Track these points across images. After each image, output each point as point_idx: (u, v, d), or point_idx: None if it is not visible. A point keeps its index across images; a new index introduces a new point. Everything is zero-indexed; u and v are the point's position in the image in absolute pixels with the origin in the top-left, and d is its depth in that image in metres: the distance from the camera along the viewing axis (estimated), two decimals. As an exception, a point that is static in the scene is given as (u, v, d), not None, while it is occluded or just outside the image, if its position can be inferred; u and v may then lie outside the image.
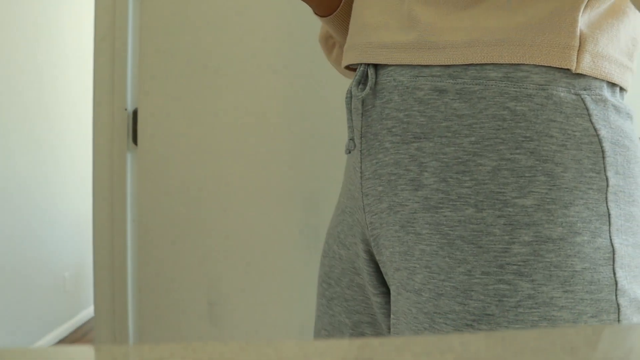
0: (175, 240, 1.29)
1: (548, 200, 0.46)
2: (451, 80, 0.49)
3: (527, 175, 0.46)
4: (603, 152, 0.47)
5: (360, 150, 0.57)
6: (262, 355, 0.23)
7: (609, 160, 0.47)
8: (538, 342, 0.25)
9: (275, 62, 1.24)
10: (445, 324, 0.48)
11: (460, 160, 0.48)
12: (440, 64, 0.49)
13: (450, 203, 0.48)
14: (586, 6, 0.47)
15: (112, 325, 1.31)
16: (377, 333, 0.62)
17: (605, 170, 0.47)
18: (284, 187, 1.24)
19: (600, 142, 0.47)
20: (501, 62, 0.47)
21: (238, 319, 1.27)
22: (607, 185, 0.47)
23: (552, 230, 0.45)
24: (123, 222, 1.31)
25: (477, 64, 0.48)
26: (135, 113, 1.31)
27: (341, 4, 0.67)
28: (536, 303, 0.45)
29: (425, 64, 0.50)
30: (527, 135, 0.46)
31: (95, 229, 1.34)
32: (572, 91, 0.47)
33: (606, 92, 0.49)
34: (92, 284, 1.42)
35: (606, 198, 0.47)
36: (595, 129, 0.47)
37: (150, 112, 1.29)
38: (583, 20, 0.47)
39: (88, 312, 3.65)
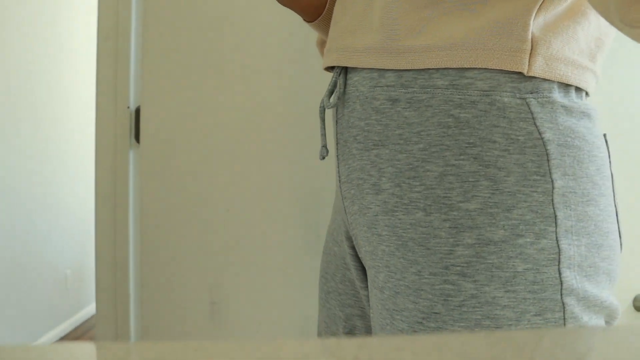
0: (177, 239, 1.29)
1: (491, 204, 0.47)
2: (403, 90, 0.50)
3: (470, 180, 0.48)
4: (548, 154, 0.48)
5: (337, 156, 0.60)
6: (262, 354, 0.23)
7: (554, 162, 0.48)
8: (537, 342, 0.25)
9: (278, 61, 1.24)
10: (402, 320, 0.51)
11: (411, 166, 0.50)
12: (401, 68, 0.50)
13: (404, 207, 0.51)
14: (539, 10, 0.48)
15: (113, 323, 1.32)
16: (367, 325, 0.65)
17: (550, 173, 0.48)
18: (286, 186, 1.24)
19: (544, 145, 0.48)
20: (455, 67, 0.48)
21: (240, 318, 1.27)
22: (553, 188, 0.47)
23: (494, 233, 0.47)
24: (125, 219, 1.31)
25: (428, 70, 0.49)
26: (137, 111, 1.31)
27: (324, 11, 0.69)
28: (479, 302, 0.47)
29: (388, 67, 0.51)
30: (471, 141, 0.48)
31: (98, 226, 1.35)
32: (518, 95, 0.48)
33: (556, 94, 0.49)
34: (93, 282, 1.42)
35: (552, 200, 0.47)
36: (539, 132, 0.48)
37: (152, 110, 1.30)
38: (536, 24, 0.48)
39: (90, 309, 3.66)
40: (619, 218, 0.54)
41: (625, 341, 0.27)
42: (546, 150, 0.48)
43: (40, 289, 3.00)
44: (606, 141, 0.55)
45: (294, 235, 1.24)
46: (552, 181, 0.48)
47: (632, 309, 1.72)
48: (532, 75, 0.48)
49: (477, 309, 0.47)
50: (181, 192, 1.29)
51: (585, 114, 0.51)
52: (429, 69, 0.49)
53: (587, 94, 0.54)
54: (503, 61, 0.47)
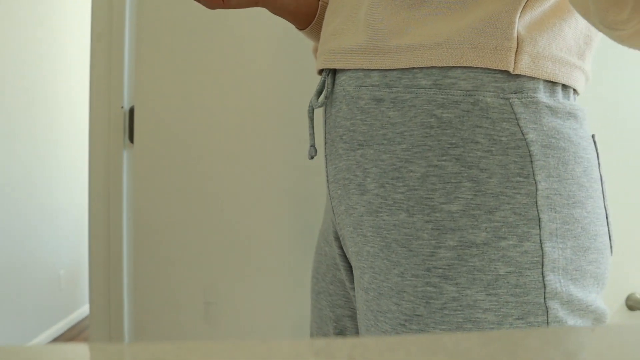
0: (172, 239, 1.29)
1: (473, 205, 0.47)
2: (387, 90, 0.50)
3: (453, 181, 0.47)
4: (531, 156, 0.47)
5: (325, 156, 0.59)
6: (257, 354, 0.23)
7: (538, 164, 0.47)
8: (530, 341, 0.25)
9: (272, 61, 1.24)
10: (385, 322, 0.50)
11: (394, 166, 0.50)
12: (386, 68, 0.50)
13: (387, 208, 0.50)
14: (525, 7, 0.47)
15: (107, 324, 1.31)
16: (358, 326, 0.65)
17: (534, 175, 0.47)
18: (280, 186, 1.24)
19: (528, 146, 0.47)
20: (440, 66, 0.47)
21: (234, 318, 1.27)
22: (537, 190, 0.47)
23: (476, 235, 0.46)
24: (119, 220, 1.31)
25: (412, 69, 0.49)
26: (131, 111, 1.31)
27: (315, 18, 0.70)
28: (460, 305, 0.46)
29: (372, 67, 0.51)
30: (453, 142, 0.47)
31: (91, 226, 1.34)
32: (501, 95, 0.47)
33: (541, 94, 0.49)
34: (87, 282, 1.41)
35: (536, 202, 0.46)
36: (522, 133, 0.47)
37: (146, 110, 1.29)
38: (521, 22, 0.47)
39: (84, 310, 3.65)
40: (609, 221, 0.53)
41: (618, 340, 0.27)
42: (529, 151, 0.47)
43: (34, 290, 2.99)
44: (595, 142, 0.54)
45: (289, 235, 1.24)
46: (535, 183, 0.47)
47: (625, 308, 1.73)
48: (519, 73, 0.47)
49: (459, 312, 0.46)
50: (175, 192, 1.28)
51: (571, 115, 0.50)
52: (414, 68, 0.49)
53: (575, 92, 0.54)
54: (489, 59, 0.47)
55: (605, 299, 1.70)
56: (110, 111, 1.31)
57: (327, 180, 0.60)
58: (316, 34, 0.73)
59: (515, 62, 0.47)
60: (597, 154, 0.53)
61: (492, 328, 0.45)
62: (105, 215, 1.31)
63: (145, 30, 1.29)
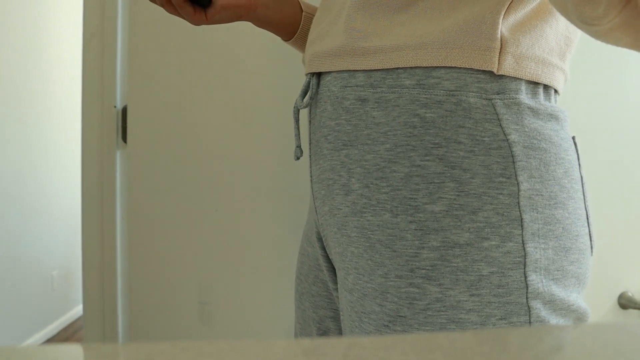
0: (166, 239, 1.28)
1: (456, 206, 0.47)
2: (372, 90, 0.50)
3: (436, 181, 0.47)
4: (513, 156, 0.47)
5: (310, 156, 0.60)
6: (251, 354, 0.23)
7: (520, 164, 0.47)
8: (525, 340, 0.25)
9: (265, 61, 1.24)
10: (369, 323, 0.50)
11: (378, 167, 0.50)
12: (370, 68, 0.50)
13: (372, 208, 0.50)
14: (508, 9, 0.48)
15: (101, 324, 1.31)
16: (340, 327, 0.65)
17: (516, 175, 0.47)
18: (274, 186, 1.24)
19: (510, 146, 0.47)
20: (424, 66, 0.48)
21: (228, 318, 1.27)
22: (519, 190, 0.47)
23: (459, 235, 0.46)
24: (112, 220, 1.30)
25: (397, 69, 0.49)
26: (124, 110, 1.30)
27: (299, 29, 0.72)
28: (444, 306, 0.46)
29: (357, 69, 0.51)
30: (436, 141, 0.48)
31: (84, 227, 1.34)
32: (484, 96, 0.48)
33: (523, 95, 0.49)
34: (81, 283, 1.41)
35: (518, 203, 0.47)
36: (505, 134, 0.47)
37: (139, 109, 1.29)
38: (505, 23, 0.48)
39: (77, 311, 3.63)
40: (590, 221, 0.53)
41: (610, 338, 0.27)
42: (512, 152, 0.47)
43: (27, 291, 2.97)
44: (575, 144, 0.54)
45: (283, 235, 1.24)
46: (517, 183, 0.47)
47: (618, 306, 1.74)
48: (502, 73, 0.48)
49: (442, 313, 0.46)
50: (169, 192, 1.28)
51: (552, 116, 0.51)
52: (398, 68, 0.49)
53: (556, 92, 0.54)
54: (473, 59, 0.47)
55: (598, 298, 1.72)
56: (103, 111, 1.30)
57: (311, 180, 0.61)
58: (301, 45, 0.74)
59: (499, 63, 0.48)
60: (578, 155, 0.54)
61: (475, 328, 0.46)
62: (98, 215, 1.31)
63: (138, 30, 1.28)
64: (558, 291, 0.48)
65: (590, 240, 0.53)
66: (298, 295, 0.71)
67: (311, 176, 0.61)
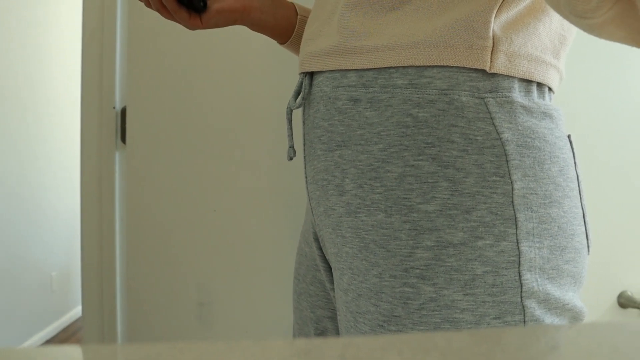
0: (165, 239, 1.28)
1: (450, 205, 0.47)
2: (364, 90, 0.50)
3: (430, 181, 0.47)
4: (507, 155, 0.47)
5: (304, 157, 0.60)
6: (250, 354, 0.23)
7: (513, 163, 0.47)
8: (523, 339, 0.25)
9: (264, 62, 1.24)
10: (364, 323, 0.50)
11: (372, 167, 0.50)
12: (362, 67, 0.50)
13: (366, 208, 0.50)
14: (501, 7, 0.48)
15: (100, 325, 1.31)
16: (338, 327, 0.64)
17: (509, 174, 0.47)
18: (273, 187, 1.24)
19: (503, 145, 0.47)
20: (416, 65, 0.48)
21: (228, 319, 1.27)
22: (513, 189, 0.47)
23: (453, 235, 0.46)
24: (111, 221, 1.30)
25: (389, 69, 0.49)
26: (123, 111, 1.30)
27: (294, 33, 0.72)
28: (438, 306, 0.46)
29: (349, 68, 0.51)
30: (429, 141, 0.47)
31: (83, 228, 1.34)
32: (476, 95, 0.48)
33: (516, 94, 0.49)
34: (80, 284, 1.41)
35: (512, 202, 0.47)
36: (498, 132, 0.47)
37: (138, 110, 1.29)
38: (497, 22, 0.48)
39: (76, 311, 3.63)
40: (586, 220, 0.53)
41: (608, 338, 0.27)
42: (505, 150, 0.47)
43: (26, 292, 2.97)
44: (570, 142, 0.54)
45: (282, 236, 1.24)
46: (511, 182, 0.47)
47: (617, 305, 1.74)
48: (495, 72, 0.48)
49: (436, 313, 0.46)
50: (168, 193, 1.28)
51: (546, 115, 0.51)
52: (390, 68, 0.49)
53: (550, 90, 0.54)
54: (465, 58, 0.47)
55: (597, 297, 1.72)
56: (102, 112, 1.30)
57: (306, 181, 0.61)
58: (296, 48, 0.75)
59: (491, 61, 0.47)
60: (574, 153, 0.54)
61: (470, 328, 0.46)
62: (97, 216, 1.31)
63: (137, 31, 1.28)
64: (553, 290, 0.48)
65: (587, 239, 0.53)
66: (296, 296, 0.71)
67: (306, 177, 0.61)
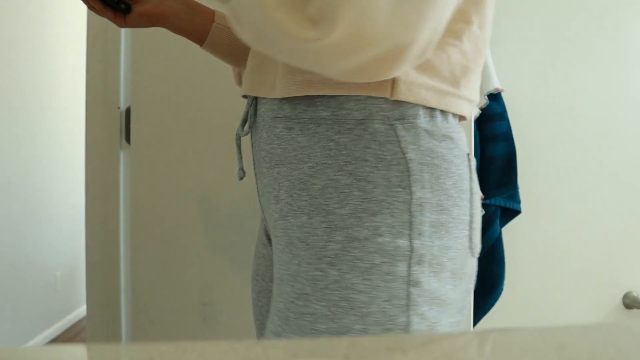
0: (169, 240, 1.29)
1: (360, 210, 0.57)
2: (296, 120, 0.61)
3: (346, 191, 0.58)
4: (409, 171, 0.57)
5: (255, 174, 0.71)
6: (253, 354, 0.23)
7: (414, 177, 0.57)
8: (525, 341, 0.25)
9: (269, 61, 1.24)
10: (280, 301, 0.60)
11: (301, 180, 0.61)
12: (290, 95, 0.61)
13: (293, 212, 0.61)
14: None
15: (104, 325, 1.31)
16: None
17: (410, 186, 0.57)
18: (277, 186, 1.24)
19: (407, 163, 0.57)
20: (336, 94, 0.59)
21: (231, 319, 1.27)
22: (412, 198, 0.57)
23: (359, 232, 0.56)
24: (116, 221, 1.31)
25: (315, 101, 0.60)
26: (128, 111, 1.30)
27: (207, 39, 0.84)
28: (340, 287, 0.56)
29: (281, 96, 0.62)
30: (348, 160, 0.58)
31: (88, 227, 1.34)
32: (387, 122, 0.58)
33: (421, 120, 0.59)
34: (84, 283, 1.41)
35: (410, 208, 0.57)
36: (403, 152, 0.57)
37: (143, 110, 1.29)
38: None
39: (80, 311, 3.64)
40: (473, 226, 0.62)
41: (612, 338, 0.27)
42: (408, 167, 0.57)
43: (30, 291, 2.98)
44: (469, 160, 0.64)
45: (286, 235, 1.24)
46: (411, 193, 0.57)
47: (622, 306, 1.74)
48: (396, 99, 0.57)
49: (337, 292, 0.56)
50: (172, 193, 1.28)
51: (447, 137, 0.60)
52: (317, 101, 0.60)
53: (455, 116, 0.63)
54: (371, 88, 0.57)
55: (602, 297, 1.71)
56: (107, 112, 1.30)
57: (258, 194, 0.71)
58: (213, 52, 0.86)
59: (392, 90, 0.57)
60: (470, 169, 0.63)
61: (362, 307, 0.55)
62: (101, 216, 1.31)
63: (141, 31, 1.28)
64: (435, 282, 0.57)
65: (470, 241, 0.62)
66: (255, 295, 0.79)
67: (257, 190, 0.71)
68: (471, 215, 0.62)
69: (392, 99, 0.58)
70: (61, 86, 3.28)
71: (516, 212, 1.47)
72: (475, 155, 1.40)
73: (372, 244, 0.56)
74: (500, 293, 1.45)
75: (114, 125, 1.30)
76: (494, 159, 1.45)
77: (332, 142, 0.59)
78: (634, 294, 1.73)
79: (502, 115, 1.45)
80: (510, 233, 1.62)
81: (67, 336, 3.36)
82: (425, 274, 0.56)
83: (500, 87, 1.42)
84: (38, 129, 3.03)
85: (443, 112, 0.61)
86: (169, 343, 0.24)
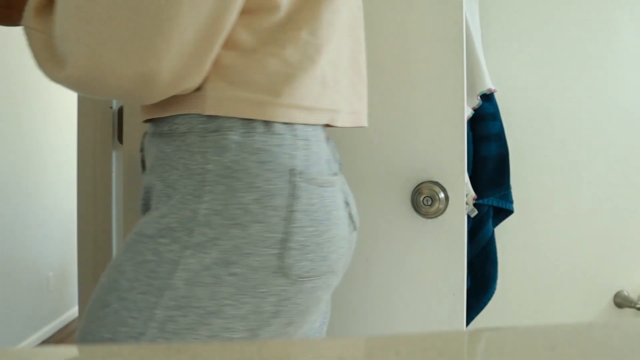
0: (161, 240, 1.28)
1: (159, 212, 0.62)
2: (151, 135, 0.69)
3: (160, 195, 0.64)
4: (204, 182, 0.61)
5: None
6: (246, 354, 0.23)
7: (207, 188, 0.61)
8: (518, 340, 0.25)
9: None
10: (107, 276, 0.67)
11: (152, 183, 0.67)
12: (144, 118, 0.71)
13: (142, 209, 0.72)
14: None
15: (97, 325, 1.30)
16: None
17: (202, 196, 0.61)
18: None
19: (205, 173, 0.61)
20: (167, 115, 0.65)
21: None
22: (200, 208, 0.60)
23: (147, 230, 0.62)
24: (108, 221, 1.30)
25: (166, 120, 0.66)
26: (120, 111, 1.30)
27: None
28: (114, 267, 0.63)
29: (150, 117, 0.69)
30: (165, 168, 0.64)
31: (80, 228, 1.33)
32: (202, 134, 0.62)
33: (234, 132, 0.62)
34: (76, 284, 1.41)
35: (195, 217, 0.60)
36: (205, 164, 0.61)
37: (135, 110, 1.29)
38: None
39: (72, 312, 3.63)
40: (288, 245, 0.61)
41: (603, 337, 0.27)
42: (205, 178, 0.61)
43: (23, 292, 2.97)
44: (294, 175, 0.63)
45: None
46: (200, 203, 0.60)
47: (613, 305, 1.75)
48: (209, 114, 0.61)
49: (111, 272, 0.63)
50: (165, 193, 1.28)
51: (263, 150, 0.62)
52: (163, 119, 0.66)
53: (290, 125, 0.63)
54: (189, 107, 0.62)
55: (594, 297, 1.72)
56: (99, 111, 1.30)
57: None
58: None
59: (203, 105, 0.61)
60: (293, 185, 0.63)
61: (125, 290, 0.60)
62: (94, 216, 1.31)
63: (134, 30, 1.28)
64: (200, 292, 0.59)
65: (281, 261, 0.61)
66: None
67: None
68: (286, 233, 0.61)
69: (205, 114, 0.62)
70: (52, 86, 3.26)
71: (509, 212, 1.48)
72: (468, 156, 1.41)
73: (153, 242, 0.61)
74: (493, 292, 1.46)
75: (106, 125, 1.30)
76: (487, 159, 1.46)
77: (161, 152, 0.65)
78: (625, 293, 1.74)
79: (495, 116, 1.46)
80: (503, 233, 1.63)
81: (60, 337, 3.35)
82: (190, 282, 0.59)
83: (493, 88, 1.43)
84: (29, 130, 3.02)
85: (267, 122, 0.62)
86: (162, 343, 0.24)
